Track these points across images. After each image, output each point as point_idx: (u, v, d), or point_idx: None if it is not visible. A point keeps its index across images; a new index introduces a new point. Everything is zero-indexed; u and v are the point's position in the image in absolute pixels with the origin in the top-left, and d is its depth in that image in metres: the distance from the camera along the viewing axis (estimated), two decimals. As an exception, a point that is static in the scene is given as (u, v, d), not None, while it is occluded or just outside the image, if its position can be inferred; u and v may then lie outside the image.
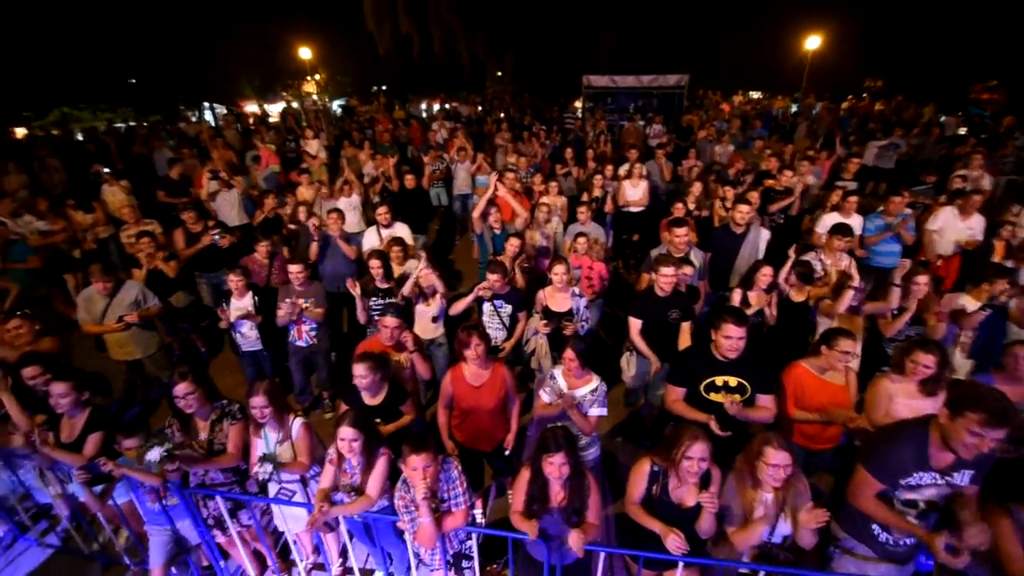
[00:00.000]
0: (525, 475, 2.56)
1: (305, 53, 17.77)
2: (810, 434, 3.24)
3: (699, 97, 16.80)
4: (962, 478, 2.27)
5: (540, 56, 21.88)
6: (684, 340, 3.88)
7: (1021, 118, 11.34)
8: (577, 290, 4.17)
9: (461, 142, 8.77)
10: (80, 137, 11.95)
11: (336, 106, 22.30)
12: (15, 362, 3.47)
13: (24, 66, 13.38)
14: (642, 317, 3.92)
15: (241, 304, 4.43)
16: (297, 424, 2.94)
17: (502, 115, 14.87)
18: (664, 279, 3.79)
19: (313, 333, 4.50)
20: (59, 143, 11.08)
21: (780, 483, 2.36)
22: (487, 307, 4.19)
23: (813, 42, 17.58)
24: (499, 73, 24.48)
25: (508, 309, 4.16)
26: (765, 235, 4.87)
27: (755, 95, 24.05)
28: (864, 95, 20.94)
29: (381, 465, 2.68)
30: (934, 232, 5.60)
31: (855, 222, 5.22)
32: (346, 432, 2.55)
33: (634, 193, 6.75)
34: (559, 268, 4.02)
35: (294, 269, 4.35)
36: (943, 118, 13.25)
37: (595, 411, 3.13)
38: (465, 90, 23.53)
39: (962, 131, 12.27)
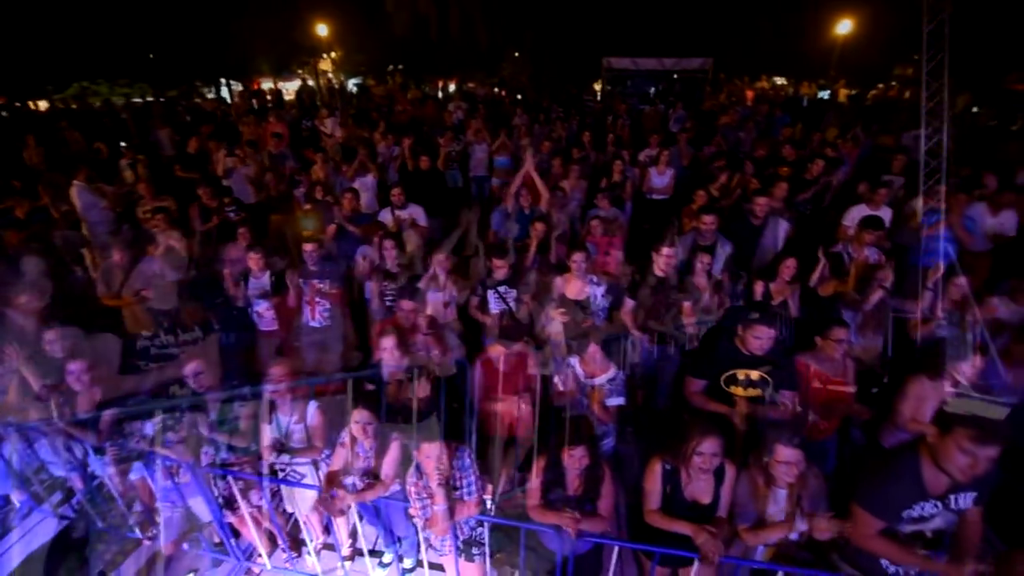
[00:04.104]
0: (540, 464, 2.51)
1: (322, 30, 17.54)
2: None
3: (721, 82, 16.30)
4: (964, 501, 2.16)
5: (559, 37, 21.36)
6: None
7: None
8: (595, 278, 4.08)
9: (479, 124, 8.58)
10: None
11: (352, 85, 22.08)
12: (34, 331, 3.49)
13: (45, 40, 13.41)
14: (635, 298, 3.98)
15: (259, 283, 4.40)
16: (312, 407, 2.92)
17: (519, 96, 14.60)
18: (663, 259, 3.82)
19: (327, 314, 4.47)
20: (78, 116, 11.13)
21: (793, 479, 2.33)
22: (492, 295, 4.13)
23: (844, 26, 16.87)
24: (516, 54, 24.01)
25: (513, 293, 4.12)
26: (784, 226, 4.82)
27: (780, 81, 23.30)
28: (892, 83, 20.15)
29: (394, 449, 2.65)
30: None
31: (886, 215, 5.03)
32: (361, 415, 2.52)
33: (660, 181, 6.60)
34: (578, 256, 3.94)
35: (308, 248, 4.31)
36: (975, 109, 12.73)
37: (613, 400, 3.09)
38: (481, 71, 23.12)
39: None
